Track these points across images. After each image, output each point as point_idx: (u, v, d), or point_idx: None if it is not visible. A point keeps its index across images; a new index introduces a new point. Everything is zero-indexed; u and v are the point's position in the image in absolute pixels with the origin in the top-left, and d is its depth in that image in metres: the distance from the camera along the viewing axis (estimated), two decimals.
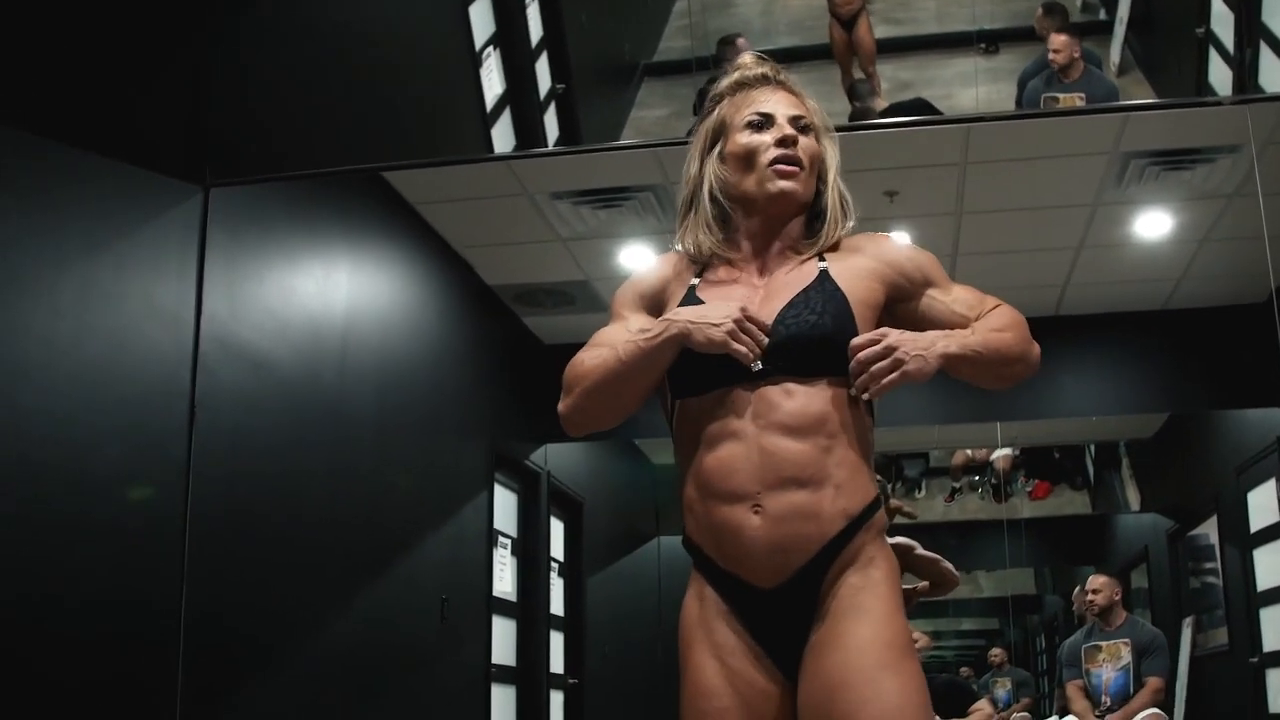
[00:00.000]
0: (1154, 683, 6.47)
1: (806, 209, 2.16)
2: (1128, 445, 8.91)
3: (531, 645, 7.00)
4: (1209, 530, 8.07)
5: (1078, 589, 6.73)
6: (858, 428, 2.00)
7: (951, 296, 2.12)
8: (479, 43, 5.90)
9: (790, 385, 1.96)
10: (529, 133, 6.34)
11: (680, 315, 2.01)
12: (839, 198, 2.16)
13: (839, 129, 2.27)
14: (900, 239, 2.26)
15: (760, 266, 2.14)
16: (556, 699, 7.38)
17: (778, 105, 2.14)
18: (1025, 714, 6.97)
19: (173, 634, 3.83)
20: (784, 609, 1.93)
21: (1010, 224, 5.67)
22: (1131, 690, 6.50)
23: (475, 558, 6.15)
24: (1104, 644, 6.64)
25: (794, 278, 2.09)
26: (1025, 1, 7.35)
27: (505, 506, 6.79)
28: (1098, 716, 6.46)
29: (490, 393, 6.55)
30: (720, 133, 2.18)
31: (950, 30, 7.56)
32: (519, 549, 6.98)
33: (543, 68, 6.57)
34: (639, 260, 6.31)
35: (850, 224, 2.16)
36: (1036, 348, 2.10)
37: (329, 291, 4.88)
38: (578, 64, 6.87)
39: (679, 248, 2.21)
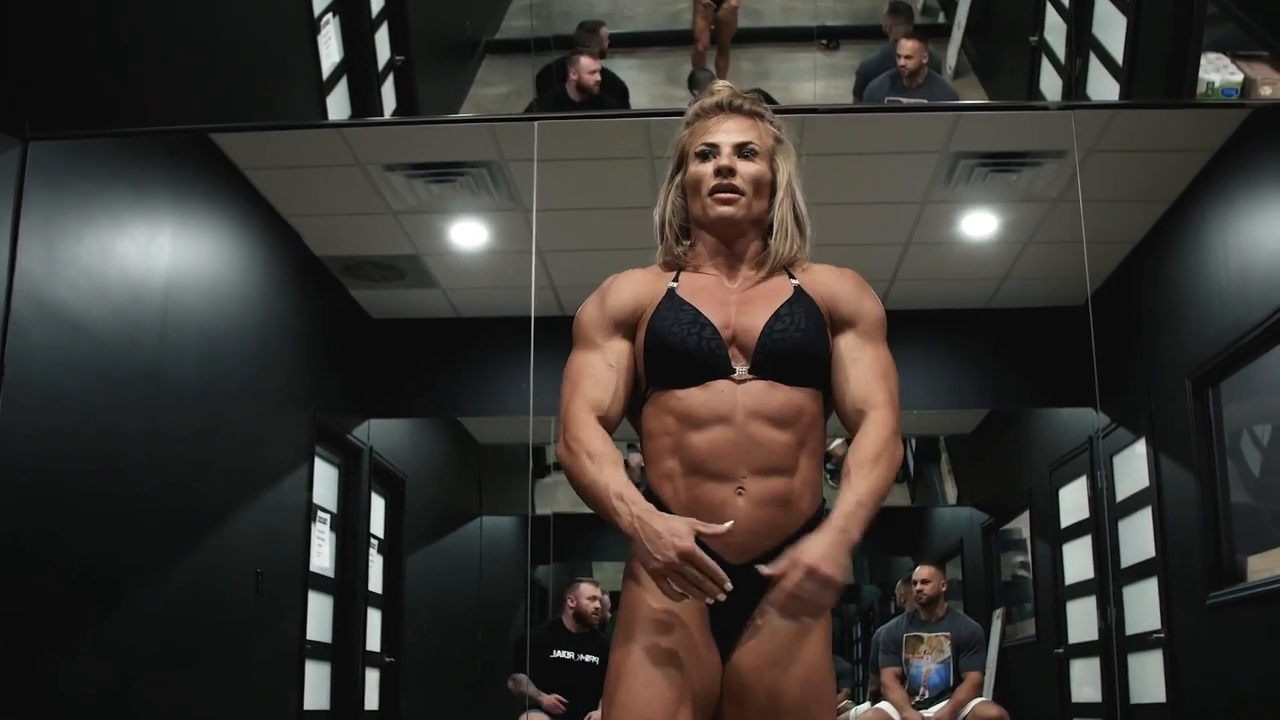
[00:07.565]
0: (974, 677, 6.61)
1: (760, 226, 2.33)
2: (947, 440, 9.12)
3: (348, 622, 6.92)
4: (1021, 525, 8.31)
5: (901, 580, 6.85)
6: (820, 428, 2.23)
7: (858, 357, 2.24)
8: (318, 9, 5.78)
9: (773, 382, 2.16)
10: (365, 103, 6.24)
11: (642, 520, 2.03)
12: (790, 212, 2.33)
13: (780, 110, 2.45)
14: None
15: (729, 274, 2.30)
16: (372, 677, 7.30)
17: (727, 134, 2.31)
18: (847, 701, 7.08)
19: None
20: (742, 584, 2.04)
21: (841, 217, 5.73)
22: (951, 683, 6.64)
23: (293, 532, 6.05)
24: (926, 635, 6.77)
25: (768, 290, 2.26)
26: (868, 1, 7.50)
27: (326, 481, 6.70)
28: (914, 706, 6.59)
29: (314, 365, 6.44)
30: (682, 161, 2.37)
31: (793, 24, 7.65)
32: (338, 524, 6.89)
33: (382, 38, 6.46)
34: (470, 236, 6.26)
35: (807, 238, 2.35)
36: (900, 453, 2.20)
37: (151, 254, 4.75)
38: (418, 37, 6.78)
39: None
